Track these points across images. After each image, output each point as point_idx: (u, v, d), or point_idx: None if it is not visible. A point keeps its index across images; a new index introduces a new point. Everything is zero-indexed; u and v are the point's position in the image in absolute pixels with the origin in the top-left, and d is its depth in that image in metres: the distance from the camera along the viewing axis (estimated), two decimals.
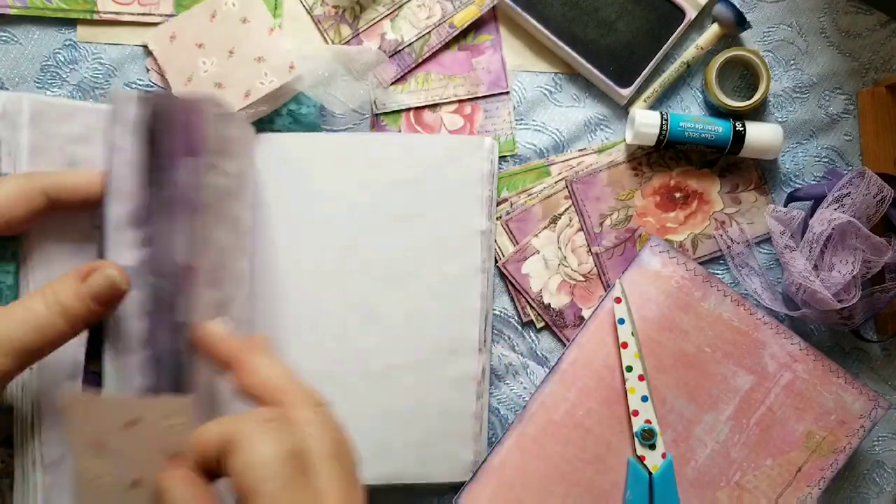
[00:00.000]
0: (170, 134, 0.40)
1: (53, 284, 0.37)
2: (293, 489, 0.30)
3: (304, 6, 0.55)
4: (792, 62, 0.57)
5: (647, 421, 0.51)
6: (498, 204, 0.55)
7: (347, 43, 0.55)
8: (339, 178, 0.52)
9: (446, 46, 0.56)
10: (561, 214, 0.56)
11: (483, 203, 0.53)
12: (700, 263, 0.54)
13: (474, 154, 0.53)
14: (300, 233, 0.52)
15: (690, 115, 0.55)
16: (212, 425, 0.33)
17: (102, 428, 0.34)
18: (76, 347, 0.41)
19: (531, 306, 0.55)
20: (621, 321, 0.52)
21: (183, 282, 0.40)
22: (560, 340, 0.55)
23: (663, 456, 0.51)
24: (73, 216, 0.42)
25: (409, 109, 0.55)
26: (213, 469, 0.33)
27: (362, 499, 0.33)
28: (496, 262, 0.55)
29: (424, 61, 0.56)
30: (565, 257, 0.55)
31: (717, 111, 0.56)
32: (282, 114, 0.53)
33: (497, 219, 0.55)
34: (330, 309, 0.51)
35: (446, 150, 0.53)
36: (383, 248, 0.52)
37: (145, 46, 0.54)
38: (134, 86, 0.54)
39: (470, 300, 0.52)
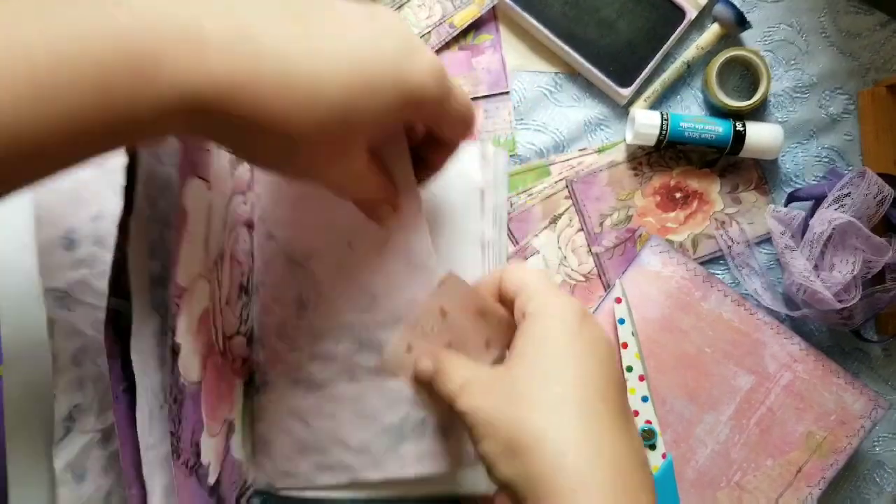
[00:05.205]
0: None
1: None
2: (550, 286, 0.39)
3: None
4: (792, 62, 0.57)
5: (648, 421, 0.51)
6: None
7: None
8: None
9: (446, 46, 0.56)
10: (561, 214, 0.56)
11: (483, 211, 0.50)
12: (700, 263, 0.54)
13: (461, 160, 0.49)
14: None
15: (691, 115, 0.55)
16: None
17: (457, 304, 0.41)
18: None
19: None
20: (621, 321, 0.52)
21: None
22: None
23: (663, 456, 0.51)
24: None
25: None
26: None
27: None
28: None
29: None
30: (565, 257, 0.55)
31: (717, 111, 0.56)
32: None
33: None
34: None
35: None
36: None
37: None
38: None
39: None
